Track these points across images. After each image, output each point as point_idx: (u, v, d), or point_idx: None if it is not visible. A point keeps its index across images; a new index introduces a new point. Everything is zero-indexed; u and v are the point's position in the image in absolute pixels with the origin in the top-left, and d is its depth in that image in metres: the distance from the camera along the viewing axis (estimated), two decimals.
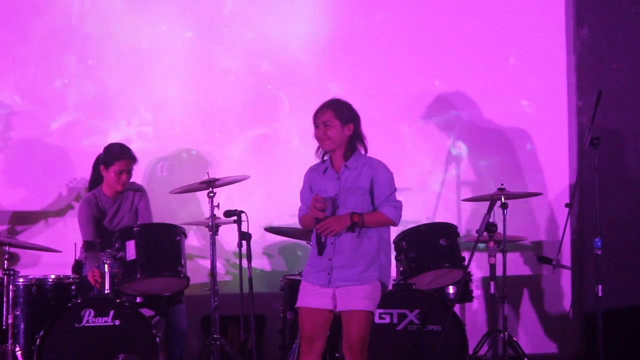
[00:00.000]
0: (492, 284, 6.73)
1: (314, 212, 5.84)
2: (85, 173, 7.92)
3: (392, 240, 7.37)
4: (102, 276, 7.07)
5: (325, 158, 5.98)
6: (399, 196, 5.95)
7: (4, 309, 6.83)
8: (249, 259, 7.05)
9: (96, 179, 7.55)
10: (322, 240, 5.84)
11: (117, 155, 7.39)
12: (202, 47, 8.33)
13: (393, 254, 7.35)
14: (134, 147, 7.57)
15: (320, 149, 5.98)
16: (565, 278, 8.38)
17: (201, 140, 8.33)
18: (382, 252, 5.95)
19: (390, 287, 6.11)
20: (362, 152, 5.96)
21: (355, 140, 5.94)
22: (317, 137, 5.94)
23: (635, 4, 8.36)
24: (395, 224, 5.98)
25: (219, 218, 7.18)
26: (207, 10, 8.34)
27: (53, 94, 8.21)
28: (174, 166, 8.31)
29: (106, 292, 6.93)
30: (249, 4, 8.37)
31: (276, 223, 7.91)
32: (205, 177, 7.16)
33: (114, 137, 8.00)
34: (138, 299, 7.13)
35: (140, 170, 7.66)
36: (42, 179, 8.18)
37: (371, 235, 5.90)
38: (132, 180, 7.51)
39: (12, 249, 6.88)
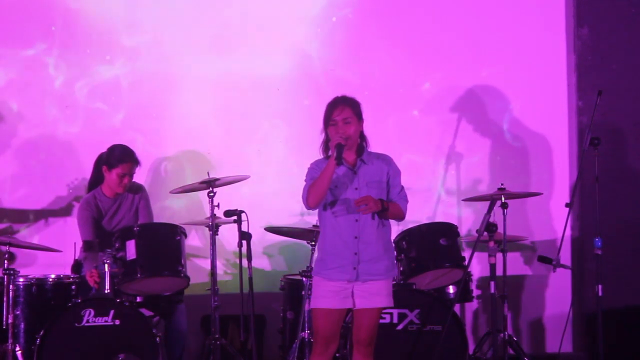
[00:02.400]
0: (492, 283, 6.72)
1: (338, 139, 5.74)
2: (86, 173, 7.92)
3: (392, 240, 7.41)
4: (100, 276, 7.08)
5: (330, 154, 5.89)
6: None
7: (4, 309, 6.83)
8: (249, 259, 7.04)
9: (97, 179, 7.54)
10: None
11: (121, 158, 7.38)
12: (205, 49, 8.33)
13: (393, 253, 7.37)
14: (134, 147, 7.57)
15: (324, 144, 5.92)
16: (565, 278, 8.38)
17: (201, 140, 8.33)
18: None
19: None
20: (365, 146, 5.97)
21: (363, 136, 5.96)
22: (338, 134, 5.83)
23: (635, 4, 8.36)
24: (403, 219, 6.02)
25: (219, 218, 7.18)
26: (210, 12, 8.35)
27: (54, 94, 8.21)
28: (174, 166, 8.31)
29: (106, 292, 6.93)
30: (252, 7, 8.37)
31: (276, 223, 7.91)
32: (205, 177, 7.16)
33: (115, 137, 7.99)
34: (138, 299, 7.13)
35: (141, 170, 7.65)
36: (42, 179, 8.18)
37: (388, 230, 5.94)
38: (133, 179, 7.51)
39: (8, 248, 6.89)
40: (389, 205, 5.83)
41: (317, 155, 5.99)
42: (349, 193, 5.86)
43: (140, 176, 7.72)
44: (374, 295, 5.83)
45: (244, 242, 7.06)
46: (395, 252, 5.83)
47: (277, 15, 8.38)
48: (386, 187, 5.91)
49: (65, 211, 8.15)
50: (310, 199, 5.81)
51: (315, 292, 5.91)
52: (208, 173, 7.21)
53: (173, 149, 8.33)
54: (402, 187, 5.97)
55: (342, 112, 5.87)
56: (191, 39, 8.32)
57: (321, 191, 5.78)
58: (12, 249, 6.93)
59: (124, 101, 8.28)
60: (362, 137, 5.96)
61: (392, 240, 7.28)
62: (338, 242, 5.85)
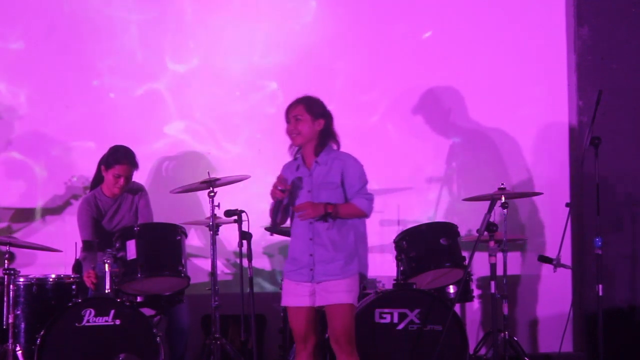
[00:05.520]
0: (492, 283, 6.73)
1: (274, 192, 5.90)
2: (85, 171, 7.92)
3: (392, 240, 7.42)
4: (98, 278, 7.09)
5: (297, 156, 6.04)
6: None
7: (5, 309, 6.84)
8: (250, 259, 7.04)
9: (98, 178, 7.55)
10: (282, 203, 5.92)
11: (118, 159, 7.38)
12: (203, 48, 8.33)
13: (393, 253, 7.38)
14: (134, 146, 7.57)
15: (293, 146, 6.04)
16: (565, 278, 8.38)
17: (202, 140, 8.33)
18: (360, 245, 6.01)
19: (367, 276, 6.16)
20: (334, 147, 6.00)
21: (327, 137, 6.00)
22: (288, 132, 6.00)
23: (635, 4, 8.36)
24: (367, 216, 6.02)
25: (219, 218, 7.17)
26: (207, 12, 8.35)
27: (55, 93, 8.21)
28: (174, 166, 8.31)
29: (106, 291, 6.93)
30: (249, 4, 8.38)
31: None
32: (205, 177, 7.16)
33: (115, 137, 7.99)
34: (138, 299, 7.13)
35: (142, 170, 7.65)
36: (42, 177, 8.18)
37: (348, 229, 5.94)
38: (133, 179, 7.50)
39: (9, 248, 6.88)
40: (335, 208, 5.86)
41: None
42: (303, 196, 5.96)
43: (140, 176, 7.72)
44: (331, 292, 5.89)
45: (244, 242, 7.06)
46: (361, 249, 5.91)
47: (277, 14, 8.37)
48: (341, 188, 5.94)
49: (63, 209, 8.14)
50: (270, 215, 6.07)
51: (283, 290, 6.08)
52: (208, 173, 7.21)
53: (173, 149, 8.32)
54: (363, 185, 5.96)
55: (294, 110, 6.00)
56: (193, 40, 8.33)
57: (273, 216, 6.03)
58: (12, 249, 6.93)
59: (124, 100, 8.27)
60: (325, 136, 5.99)
61: (393, 240, 7.35)
62: (298, 244, 5.99)
